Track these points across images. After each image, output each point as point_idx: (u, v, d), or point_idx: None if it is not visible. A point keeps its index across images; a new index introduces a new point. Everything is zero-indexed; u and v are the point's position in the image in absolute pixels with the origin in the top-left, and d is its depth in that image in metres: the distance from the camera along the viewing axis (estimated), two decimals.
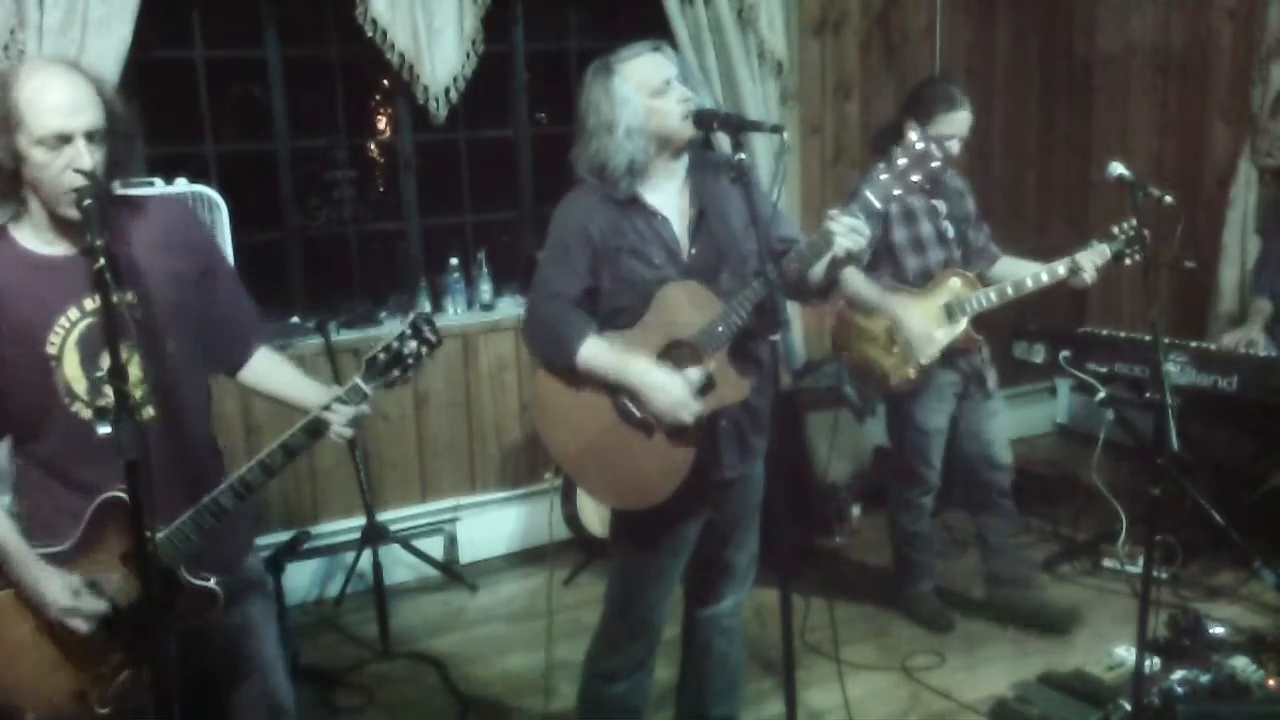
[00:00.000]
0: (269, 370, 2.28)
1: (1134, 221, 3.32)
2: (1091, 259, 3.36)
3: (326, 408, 2.06)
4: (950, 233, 3.51)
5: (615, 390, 2.40)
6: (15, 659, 2.02)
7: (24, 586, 1.98)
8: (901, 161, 2.24)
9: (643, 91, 2.36)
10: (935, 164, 2.24)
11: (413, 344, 2.06)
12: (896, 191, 2.26)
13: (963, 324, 3.44)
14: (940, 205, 3.51)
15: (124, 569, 2.02)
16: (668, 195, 2.45)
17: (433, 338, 2.07)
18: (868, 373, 3.60)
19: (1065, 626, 3.60)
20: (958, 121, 3.37)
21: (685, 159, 2.47)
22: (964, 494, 3.80)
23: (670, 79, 2.38)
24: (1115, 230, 3.40)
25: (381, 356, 2.06)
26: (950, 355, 3.48)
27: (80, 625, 1.98)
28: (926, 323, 3.41)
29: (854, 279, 3.38)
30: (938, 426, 3.58)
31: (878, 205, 2.26)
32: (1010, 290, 3.41)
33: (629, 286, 2.40)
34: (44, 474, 2.06)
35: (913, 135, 2.26)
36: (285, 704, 2.32)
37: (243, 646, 2.24)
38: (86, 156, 1.90)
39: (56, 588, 1.97)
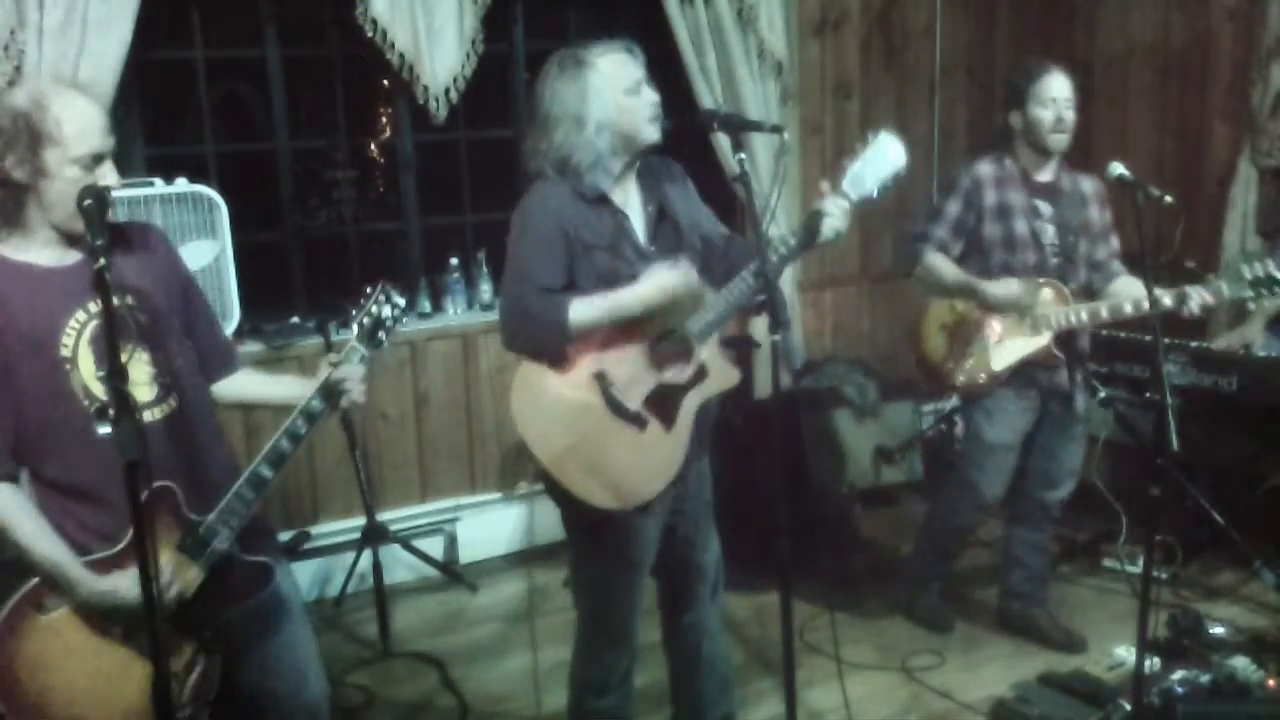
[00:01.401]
0: (246, 382, 2.35)
1: (1269, 264, 2.99)
2: (1203, 294, 3.01)
3: (336, 368, 2.14)
4: (1049, 236, 3.30)
5: (606, 385, 2.37)
6: (78, 678, 2.01)
7: (96, 603, 1.98)
8: (868, 153, 2.31)
9: (616, 88, 2.34)
10: (899, 162, 2.31)
11: (387, 309, 2.21)
12: (869, 186, 2.31)
13: (1045, 338, 3.25)
14: (1043, 206, 3.31)
15: (179, 557, 2.03)
16: (626, 194, 2.46)
17: (400, 301, 2.23)
18: (934, 369, 3.46)
19: (1073, 648, 3.50)
20: (1054, 85, 3.22)
21: (637, 162, 2.48)
22: (1008, 499, 3.63)
23: (641, 80, 2.39)
24: (1245, 271, 3.01)
25: (366, 321, 2.20)
26: (1028, 370, 3.31)
27: (171, 598, 2.01)
28: (1021, 289, 3.24)
29: (944, 266, 3.29)
30: (1002, 441, 3.38)
31: (853, 198, 2.32)
32: (1104, 312, 3.19)
33: (605, 283, 2.37)
34: (60, 495, 2.03)
35: (872, 134, 2.32)
36: (325, 706, 2.29)
37: (285, 641, 2.23)
38: (114, 175, 2.00)
39: (129, 585, 1.95)
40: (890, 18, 5.04)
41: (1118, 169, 2.77)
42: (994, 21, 5.28)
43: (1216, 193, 4.61)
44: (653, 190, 2.49)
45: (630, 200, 2.47)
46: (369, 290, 2.22)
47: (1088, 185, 3.39)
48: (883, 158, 2.31)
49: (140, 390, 2.01)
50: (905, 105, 5.16)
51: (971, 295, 3.32)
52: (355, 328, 2.20)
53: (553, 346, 2.35)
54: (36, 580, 1.99)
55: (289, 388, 2.29)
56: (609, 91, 2.34)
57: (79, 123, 1.95)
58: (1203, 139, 4.74)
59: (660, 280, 2.34)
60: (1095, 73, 5.20)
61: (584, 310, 2.32)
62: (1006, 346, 3.31)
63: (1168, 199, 2.77)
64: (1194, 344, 3.88)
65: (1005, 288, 3.26)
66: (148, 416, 2.02)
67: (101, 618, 2.01)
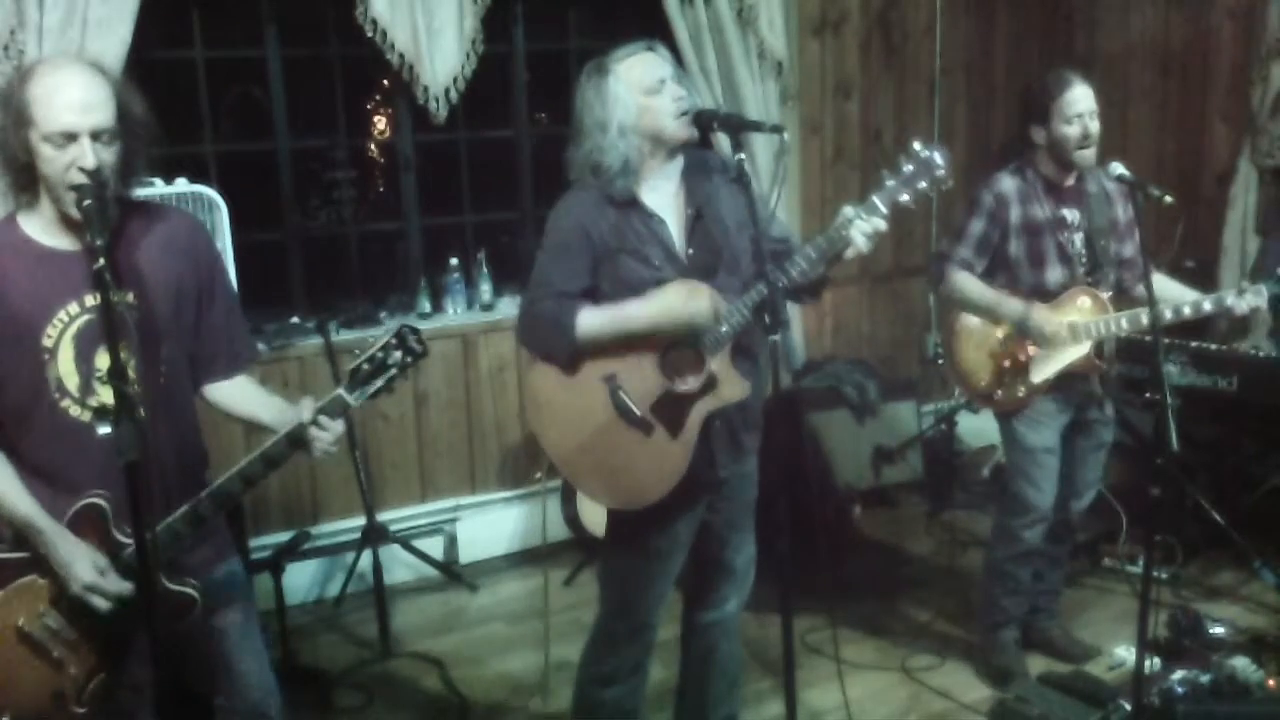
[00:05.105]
0: (241, 394, 2.21)
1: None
2: (1247, 300, 3.02)
3: (314, 422, 1.99)
4: (1075, 246, 3.19)
5: (614, 389, 2.39)
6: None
7: (52, 559, 1.98)
8: (907, 169, 2.29)
9: (636, 90, 2.36)
10: (940, 172, 2.28)
11: (397, 354, 2.00)
12: (904, 198, 2.29)
13: (1086, 347, 3.15)
14: (1070, 215, 3.19)
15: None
16: (664, 196, 2.45)
17: (418, 348, 2.01)
18: (973, 386, 3.33)
19: (1087, 659, 3.44)
20: (1078, 100, 3.09)
21: (680, 160, 2.47)
22: None
23: (665, 78, 2.38)
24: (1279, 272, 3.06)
25: (365, 367, 2.01)
26: (1067, 379, 3.20)
27: (100, 603, 1.97)
28: (1055, 321, 3.12)
29: (970, 285, 3.19)
30: (1044, 445, 3.25)
31: (884, 210, 2.30)
32: (1145, 318, 3.04)
33: (629, 288, 2.38)
34: (30, 475, 2.04)
35: (916, 144, 2.29)
36: (270, 711, 2.28)
37: (222, 654, 2.21)
38: (90, 156, 1.90)
39: (85, 564, 1.96)
40: (890, 18, 5.04)
41: (1118, 169, 2.77)
42: (994, 21, 5.28)
43: (1216, 193, 4.61)
44: (696, 191, 2.47)
45: (668, 203, 2.45)
46: (386, 332, 2.01)
47: (1106, 182, 3.26)
48: (924, 172, 2.29)
49: None
50: (905, 105, 5.15)
51: (1003, 317, 3.20)
52: (348, 374, 2.00)
53: (560, 351, 2.39)
54: None
55: (275, 413, 2.12)
56: (629, 94, 2.35)
57: (49, 100, 1.89)
58: (1203, 139, 4.74)
59: (667, 303, 2.33)
60: (1095, 73, 5.21)
61: (591, 320, 2.35)
62: (1047, 357, 3.19)
63: (1168, 198, 2.76)
64: (1194, 344, 3.88)
65: (1045, 324, 3.12)
66: None
67: (34, 607, 2.01)
